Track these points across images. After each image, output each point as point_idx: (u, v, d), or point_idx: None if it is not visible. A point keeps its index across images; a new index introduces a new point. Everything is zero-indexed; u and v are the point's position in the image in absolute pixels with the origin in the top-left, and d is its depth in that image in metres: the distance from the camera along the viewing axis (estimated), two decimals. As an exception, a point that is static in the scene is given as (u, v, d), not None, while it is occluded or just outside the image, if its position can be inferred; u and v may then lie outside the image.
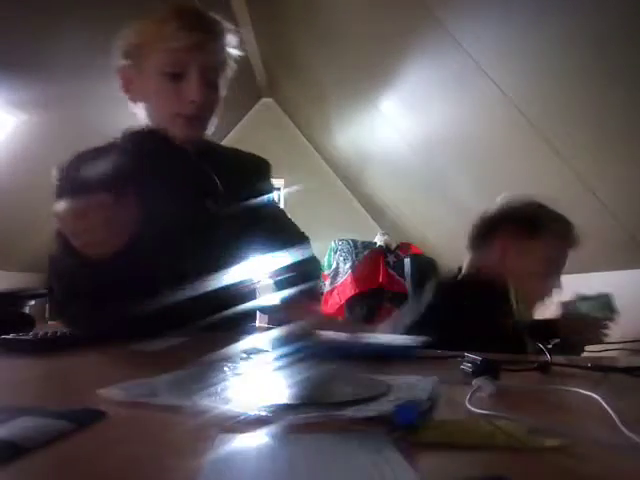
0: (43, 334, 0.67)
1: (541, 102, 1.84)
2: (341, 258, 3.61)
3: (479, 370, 0.52)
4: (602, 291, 1.44)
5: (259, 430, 0.31)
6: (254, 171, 1.01)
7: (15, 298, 1.08)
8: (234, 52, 0.91)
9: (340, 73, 3.16)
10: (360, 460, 0.26)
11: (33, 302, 1.05)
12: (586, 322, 1.23)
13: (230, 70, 0.92)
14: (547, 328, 1.22)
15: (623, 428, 0.33)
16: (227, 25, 0.90)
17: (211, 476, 0.24)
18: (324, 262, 4.22)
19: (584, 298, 1.38)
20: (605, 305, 1.39)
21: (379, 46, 2.50)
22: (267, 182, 1.05)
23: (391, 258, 3.37)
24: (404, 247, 3.71)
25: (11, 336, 0.65)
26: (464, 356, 0.60)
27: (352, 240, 3.60)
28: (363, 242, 3.61)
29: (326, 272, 3.90)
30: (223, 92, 0.91)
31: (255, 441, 0.29)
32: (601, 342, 1.24)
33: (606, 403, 0.39)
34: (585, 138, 1.80)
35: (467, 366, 0.54)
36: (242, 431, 0.31)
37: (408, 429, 0.31)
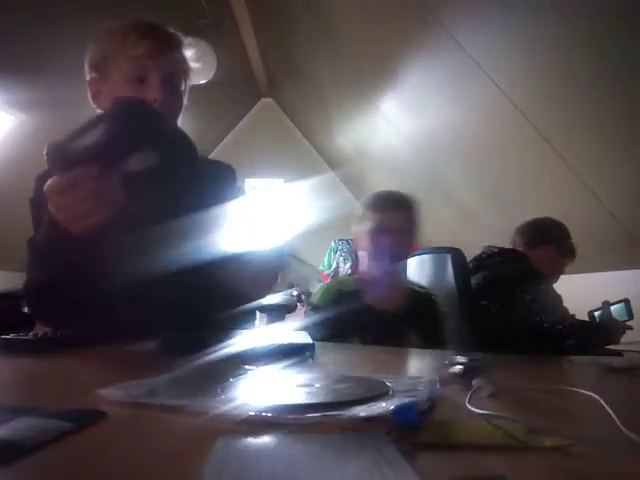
0: (43, 334, 0.67)
1: (541, 102, 1.84)
2: (341, 258, 3.62)
3: (467, 370, 0.52)
4: (623, 297, 1.62)
5: (259, 431, 0.31)
6: (219, 177, 1.05)
7: (15, 298, 1.08)
8: (191, 63, 0.98)
9: (340, 73, 3.16)
10: (360, 460, 0.26)
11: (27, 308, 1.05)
12: (611, 325, 1.43)
13: (189, 80, 0.99)
14: (585, 331, 1.34)
15: (623, 428, 0.33)
16: (183, 38, 0.98)
17: (212, 477, 0.24)
18: (324, 262, 4.23)
19: (610, 304, 1.58)
20: (624, 309, 1.55)
21: (379, 46, 2.50)
22: (232, 188, 1.08)
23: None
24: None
25: (11, 336, 0.65)
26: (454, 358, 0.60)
27: (352, 240, 3.61)
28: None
29: (326, 272, 3.91)
30: (184, 99, 0.98)
31: (255, 442, 0.29)
32: (618, 343, 1.35)
33: (606, 403, 0.39)
34: (585, 138, 1.80)
35: (456, 368, 0.54)
36: (242, 432, 0.31)
37: (408, 429, 0.31)
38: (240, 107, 4.67)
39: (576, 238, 2.22)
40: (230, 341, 0.65)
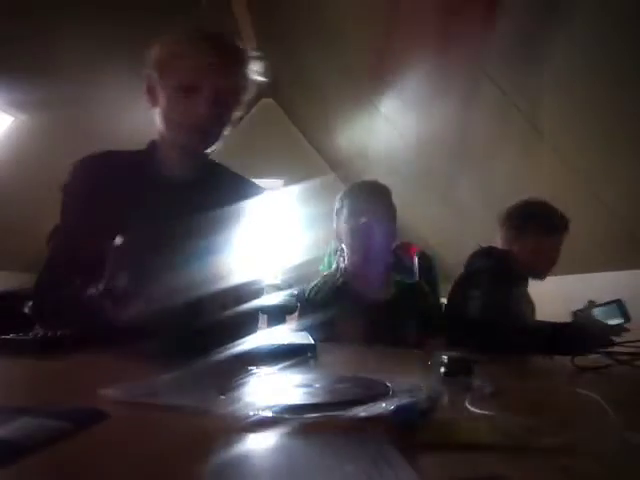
0: (43, 334, 0.67)
1: (541, 102, 1.84)
2: (341, 258, 3.60)
3: (452, 370, 0.52)
4: (614, 298, 1.53)
5: (261, 430, 0.31)
6: (248, 199, 1.04)
7: (15, 298, 1.08)
8: (255, 78, 0.96)
9: (341, 74, 3.16)
10: (360, 460, 0.26)
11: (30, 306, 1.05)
12: (597, 328, 1.33)
13: (249, 94, 0.97)
14: (561, 333, 1.27)
15: (622, 428, 0.33)
16: (251, 53, 0.95)
17: (213, 476, 0.24)
18: (324, 262, 4.23)
19: (596, 305, 1.48)
20: (617, 311, 1.46)
21: (379, 46, 2.50)
22: (256, 211, 1.08)
23: (390, 258, 3.36)
24: (404, 247, 3.71)
25: (11, 336, 0.65)
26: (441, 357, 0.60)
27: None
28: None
29: (326, 272, 3.90)
30: (235, 113, 0.97)
31: (256, 441, 0.29)
32: (610, 346, 1.27)
33: (605, 403, 0.39)
34: (586, 138, 1.80)
35: (441, 367, 0.54)
36: (243, 431, 0.31)
37: (408, 429, 0.31)
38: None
39: (577, 238, 2.21)
40: (232, 341, 0.65)
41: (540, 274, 1.61)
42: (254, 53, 0.95)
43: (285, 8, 3.08)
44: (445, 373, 0.52)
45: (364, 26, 2.46)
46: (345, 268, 1.37)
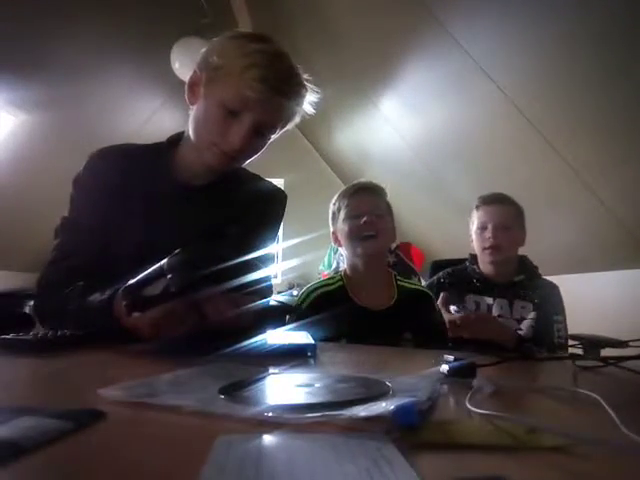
0: (43, 334, 0.67)
1: (541, 101, 1.84)
2: (341, 258, 3.61)
3: (454, 371, 0.52)
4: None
5: (259, 430, 0.31)
6: (266, 202, 1.01)
7: (15, 298, 1.08)
8: (305, 110, 0.90)
9: (340, 73, 3.16)
10: (360, 460, 0.26)
11: (33, 302, 1.05)
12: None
13: (291, 124, 0.92)
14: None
15: (623, 427, 0.33)
16: (312, 86, 0.88)
17: (211, 476, 0.24)
18: (324, 262, 4.22)
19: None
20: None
21: (379, 46, 2.50)
22: (276, 214, 1.04)
23: (391, 258, 3.37)
24: (404, 247, 3.71)
25: (11, 336, 0.65)
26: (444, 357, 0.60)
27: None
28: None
29: (326, 272, 3.90)
30: (272, 139, 0.91)
31: (255, 441, 0.29)
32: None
33: (606, 402, 0.39)
34: (585, 137, 1.80)
35: (444, 368, 0.54)
36: (243, 431, 0.31)
37: (408, 429, 0.31)
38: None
39: (578, 238, 2.22)
40: (232, 341, 0.65)
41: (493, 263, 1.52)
42: (312, 86, 0.88)
43: (284, 7, 3.08)
44: (449, 373, 0.52)
45: (364, 25, 2.46)
46: (344, 272, 1.33)
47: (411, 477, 0.24)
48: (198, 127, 0.87)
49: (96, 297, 0.73)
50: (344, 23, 2.65)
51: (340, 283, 1.29)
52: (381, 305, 1.24)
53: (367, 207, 1.26)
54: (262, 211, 0.99)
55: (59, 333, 0.68)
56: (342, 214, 1.29)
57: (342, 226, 1.28)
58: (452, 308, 1.18)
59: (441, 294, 1.24)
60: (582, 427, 0.38)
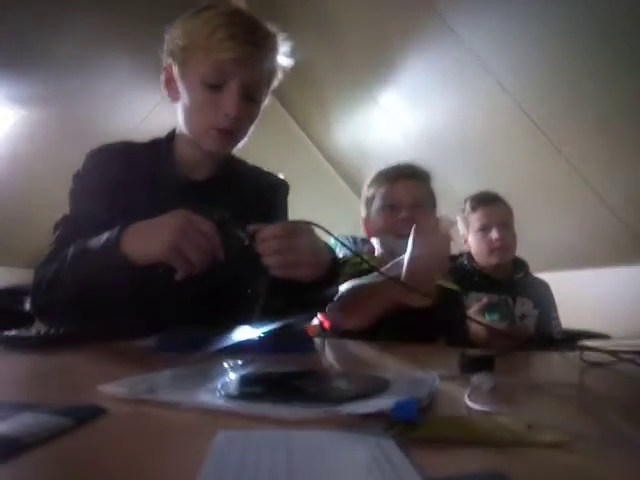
0: (45, 331, 0.67)
1: (542, 98, 1.84)
2: (341, 255, 3.60)
3: (475, 365, 0.52)
4: (501, 296, 1.43)
5: (258, 426, 0.31)
6: (270, 194, 1.01)
7: (15, 295, 1.09)
8: (284, 62, 0.89)
9: (339, 68, 3.15)
10: (359, 456, 0.26)
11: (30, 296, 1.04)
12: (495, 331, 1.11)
13: (276, 81, 0.91)
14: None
15: (623, 425, 0.33)
16: (281, 36, 0.87)
17: (211, 472, 0.24)
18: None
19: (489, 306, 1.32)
20: (498, 313, 1.31)
21: (379, 41, 2.49)
22: (280, 205, 1.03)
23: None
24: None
25: (12, 333, 0.65)
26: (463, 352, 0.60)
27: (352, 237, 3.59)
28: (363, 239, 3.60)
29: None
30: (264, 103, 0.90)
31: (254, 437, 0.29)
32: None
33: (607, 398, 0.39)
34: (586, 134, 1.80)
35: (463, 362, 0.54)
36: (242, 427, 0.31)
37: (407, 425, 0.31)
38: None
39: (577, 234, 2.22)
40: (230, 336, 0.65)
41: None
42: (282, 34, 0.87)
43: (284, 3, 3.06)
44: (466, 369, 0.52)
45: (364, 19, 2.44)
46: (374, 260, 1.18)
47: (410, 473, 0.24)
48: (189, 117, 0.86)
49: (97, 240, 0.72)
50: (344, 16, 2.64)
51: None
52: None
53: (407, 197, 1.09)
54: (271, 204, 0.99)
55: (61, 330, 0.68)
56: (376, 203, 1.12)
57: (376, 217, 1.12)
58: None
59: (484, 299, 1.20)
60: (581, 423, 0.38)
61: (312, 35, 3.17)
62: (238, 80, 0.80)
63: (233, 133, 0.86)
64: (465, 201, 1.59)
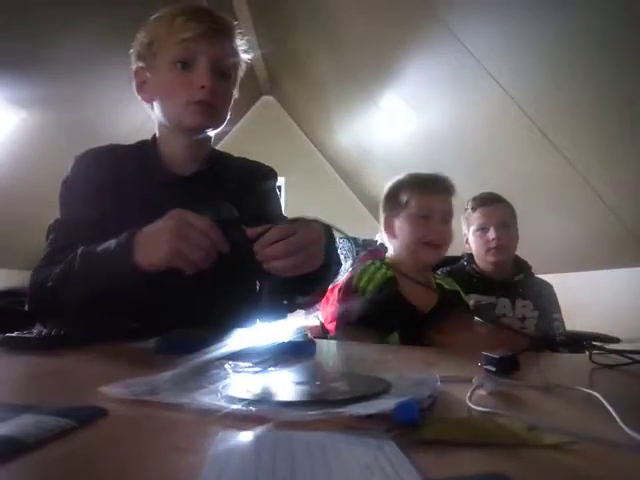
0: (47, 332, 0.67)
1: (542, 100, 1.84)
2: (342, 256, 3.60)
3: (501, 367, 0.53)
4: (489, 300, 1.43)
5: (260, 427, 0.31)
6: (259, 180, 1.02)
7: (15, 296, 1.08)
8: (243, 54, 0.93)
9: (340, 70, 3.16)
10: (361, 457, 0.26)
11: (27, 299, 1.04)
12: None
13: (241, 70, 0.94)
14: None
15: (623, 426, 0.33)
16: (236, 25, 0.93)
17: (212, 473, 0.24)
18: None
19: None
20: (486, 315, 1.33)
21: (380, 43, 2.49)
22: (271, 192, 1.05)
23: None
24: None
25: (14, 334, 0.65)
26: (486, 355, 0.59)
27: (353, 238, 3.59)
28: (364, 240, 3.60)
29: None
30: (234, 88, 0.94)
31: (255, 439, 0.29)
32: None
33: (606, 400, 0.39)
34: (586, 135, 1.80)
35: (489, 365, 0.55)
36: (243, 428, 0.31)
37: (409, 426, 0.31)
38: (241, 104, 4.67)
39: (579, 236, 2.22)
40: (231, 339, 0.65)
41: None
42: (239, 28, 0.93)
43: (285, 4, 3.07)
44: (495, 371, 0.53)
45: (366, 22, 2.45)
46: (391, 261, 1.22)
47: (412, 474, 0.24)
48: (167, 102, 0.89)
49: (107, 244, 0.72)
50: (345, 19, 2.64)
51: (390, 273, 1.16)
52: (425, 305, 1.15)
53: (440, 211, 1.17)
54: (260, 192, 1.00)
55: (62, 331, 0.68)
56: (411, 209, 1.18)
57: (404, 222, 1.18)
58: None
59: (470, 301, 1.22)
60: (582, 425, 0.38)
61: (313, 37, 3.17)
62: (206, 56, 0.85)
63: (211, 106, 0.87)
64: (468, 202, 1.60)
